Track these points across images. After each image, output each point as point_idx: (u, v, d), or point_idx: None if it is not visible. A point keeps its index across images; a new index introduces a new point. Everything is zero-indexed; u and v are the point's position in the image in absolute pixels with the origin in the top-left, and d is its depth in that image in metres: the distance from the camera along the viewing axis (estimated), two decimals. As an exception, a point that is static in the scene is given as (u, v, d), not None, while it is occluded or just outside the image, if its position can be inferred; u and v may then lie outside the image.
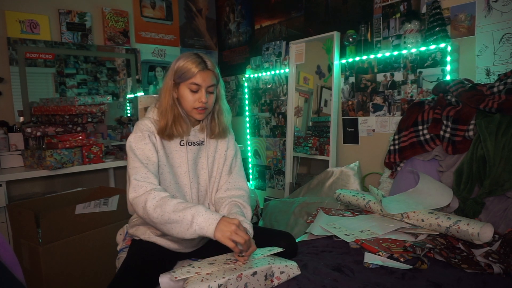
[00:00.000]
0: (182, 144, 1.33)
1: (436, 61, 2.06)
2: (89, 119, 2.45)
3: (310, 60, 2.78)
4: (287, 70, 2.93)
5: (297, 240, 1.49)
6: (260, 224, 2.68)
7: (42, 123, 2.44)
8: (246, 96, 3.36)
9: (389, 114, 2.34)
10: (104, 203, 1.91)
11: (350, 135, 2.59)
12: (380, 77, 2.37)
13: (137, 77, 3.19)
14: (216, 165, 1.41)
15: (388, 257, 1.30)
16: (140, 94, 3.19)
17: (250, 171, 3.39)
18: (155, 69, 3.32)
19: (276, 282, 1.15)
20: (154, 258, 1.27)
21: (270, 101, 3.16)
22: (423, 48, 2.11)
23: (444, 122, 1.78)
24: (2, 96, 2.51)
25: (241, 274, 1.07)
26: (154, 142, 1.27)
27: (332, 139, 2.60)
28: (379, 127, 2.41)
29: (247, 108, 3.37)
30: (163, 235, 1.30)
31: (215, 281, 1.02)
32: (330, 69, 2.63)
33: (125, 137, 2.99)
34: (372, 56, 2.39)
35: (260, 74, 3.20)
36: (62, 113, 2.31)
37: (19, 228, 1.85)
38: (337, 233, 1.54)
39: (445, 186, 1.69)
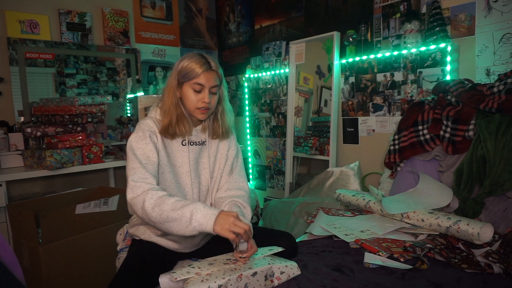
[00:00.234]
0: (184, 144, 1.33)
1: (436, 61, 2.06)
2: (89, 119, 2.45)
3: (310, 60, 2.78)
4: (287, 70, 2.93)
5: (297, 240, 1.49)
6: (260, 224, 2.68)
7: (42, 123, 2.44)
8: (246, 96, 3.36)
9: (389, 114, 2.34)
10: (104, 203, 1.91)
11: (350, 135, 2.59)
12: (380, 77, 2.37)
13: (137, 77, 3.18)
14: (217, 165, 1.41)
15: (388, 257, 1.30)
16: (140, 94, 3.19)
17: (250, 171, 3.39)
18: (155, 69, 3.32)
19: (276, 282, 1.15)
20: (154, 258, 1.27)
21: (270, 101, 3.16)
22: (423, 48, 2.11)
23: (444, 122, 1.78)
24: (2, 96, 2.51)
25: (241, 274, 1.07)
26: (155, 142, 1.27)
27: (332, 139, 2.60)
28: (379, 127, 2.41)
29: (247, 108, 3.37)
30: (163, 235, 1.30)
31: (215, 282, 1.02)
32: (330, 69, 2.63)
33: (125, 137, 2.99)
34: (372, 56, 2.39)
35: (260, 74, 3.20)
36: (62, 113, 2.31)
37: (19, 228, 1.85)
38: (337, 233, 1.54)
39: (445, 186, 1.69)
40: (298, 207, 2.38)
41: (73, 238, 1.81)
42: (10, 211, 1.90)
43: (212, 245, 1.40)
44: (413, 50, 2.15)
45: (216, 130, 1.38)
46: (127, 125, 3.06)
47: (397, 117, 2.27)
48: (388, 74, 2.32)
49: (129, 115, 3.17)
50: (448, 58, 2.01)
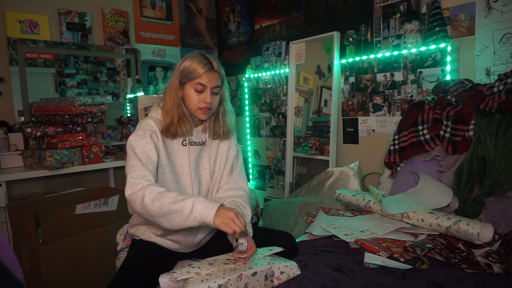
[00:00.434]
0: (184, 144, 1.33)
1: (436, 61, 2.06)
2: (89, 119, 2.45)
3: (310, 60, 2.78)
4: (287, 70, 2.92)
5: (297, 240, 1.49)
6: (260, 224, 2.68)
7: (42, 123, 2.44)
8: (246, 96, 3.36)
9: (389, 114, 2.34)
10: (104, 203, 1.91)
11: (350, 135, 2.59)
12: (380, 77, 2.37)
13: (137, 77, 3.18)
14: (217, 165, 1.41)
15: (388, 257, 1.30)
16: (140, 94, 3.19)
17: (250, 171, 3.39)
18: (155, 69, 3.32)
19: (276, 282, 1.15)
20: (154, 258, 1.27)
21: (270, 101, 3.16)
22: (423, 48, 2.11)
23: (444, 122, 1.78)
24: (2, 96, 2.51)
25: (241, 274, 1.07)
26: (156, 142, 1.27)
27: (332, 139, 2.60)
28: (379, 127, 2.41)
29: (247, 108, 3.37)
30: (164, 235, 1.30)
31: (215, 282, 1.02)
32: (330, 69, 2.63)
33: (125, 137, 2.99)
34: (372, 56, 2.39)
35: (260, 74, 3.20)
36: (62, 113, 2.31)
37: (19, 228, 1.85)
38: (337, 233, 1.54)
39: (445, 186, 1.69)
40: (298, 207, 2.38)
41: (73, 238, 1.81)
42: (10, 211, 1.90)
43: (212, 246, 1.40)
44: (413, 50, 2.15)
45: (217, 130, 1.38)
46: (127, 125, 3.06)
47: (397, 117, 2.27)
48: (388, 74, 2.32)
49: (129, 115, 3.17)
50: (448, 58, 2.01)
